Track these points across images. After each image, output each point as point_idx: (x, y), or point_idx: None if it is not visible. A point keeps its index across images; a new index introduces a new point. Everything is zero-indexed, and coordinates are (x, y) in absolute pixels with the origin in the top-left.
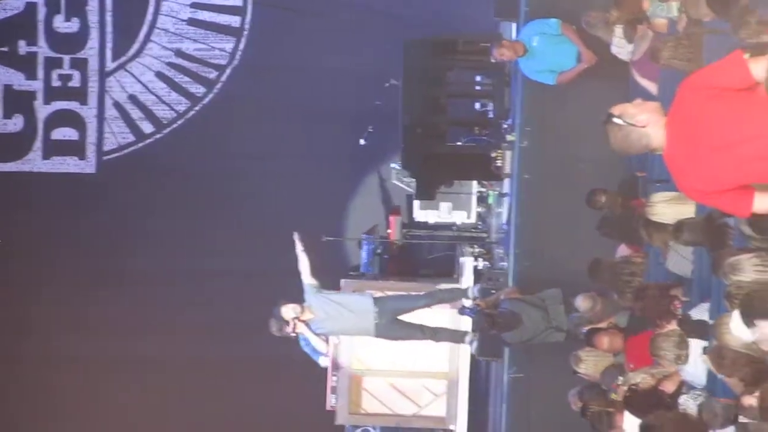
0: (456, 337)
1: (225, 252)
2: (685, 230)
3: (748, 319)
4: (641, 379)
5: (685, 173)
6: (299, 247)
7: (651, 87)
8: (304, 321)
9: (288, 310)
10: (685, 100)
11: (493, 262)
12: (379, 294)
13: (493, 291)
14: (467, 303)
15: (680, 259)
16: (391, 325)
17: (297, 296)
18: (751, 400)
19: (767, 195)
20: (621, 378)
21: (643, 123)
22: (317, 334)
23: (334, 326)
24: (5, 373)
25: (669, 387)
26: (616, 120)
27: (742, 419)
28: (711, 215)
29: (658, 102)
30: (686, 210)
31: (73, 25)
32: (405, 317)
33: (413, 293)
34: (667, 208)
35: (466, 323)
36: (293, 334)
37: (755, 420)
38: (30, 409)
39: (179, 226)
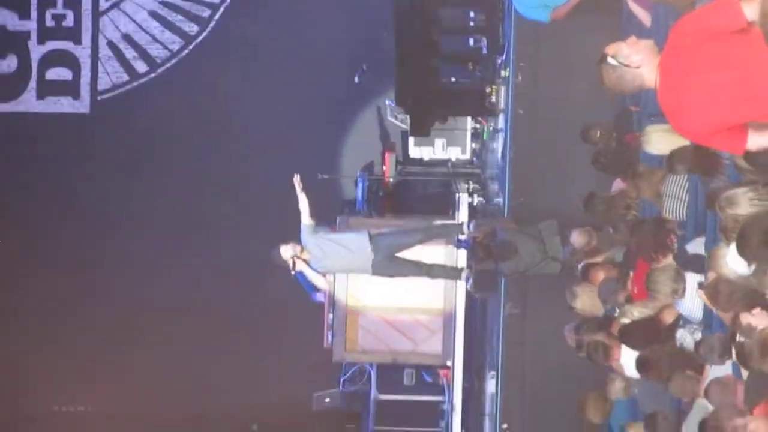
0: (452, 273)
1: (220, 193)
2: (676, 159)
3: (744, 252)
4: (638, 312)
5: (679, 114)
6: (299, 188)
7: (644, 17)
8: (303, 259)
9: (287, 249)
10: (677, 43)
11: (488, 198)
12: (375, 231)
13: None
14: (462, 236)
15: (675, 203)
16: (387, 262)
17: (295, 238)
18: (749, 318)
19: (761, 133)
20: (618, 309)
21: (637, 64)
22: (315, 272)
23: (331, 264)
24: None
25: (667, 318)
26: (610, 61)
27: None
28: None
29: (652, 40)
30: (680, 140)
31: None
32: (401, 254)
33: (408, 229)
34: (661, 139)
35: (461, 260)
36: (292, 272)
37: (751, 344)
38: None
39: (174, 167)
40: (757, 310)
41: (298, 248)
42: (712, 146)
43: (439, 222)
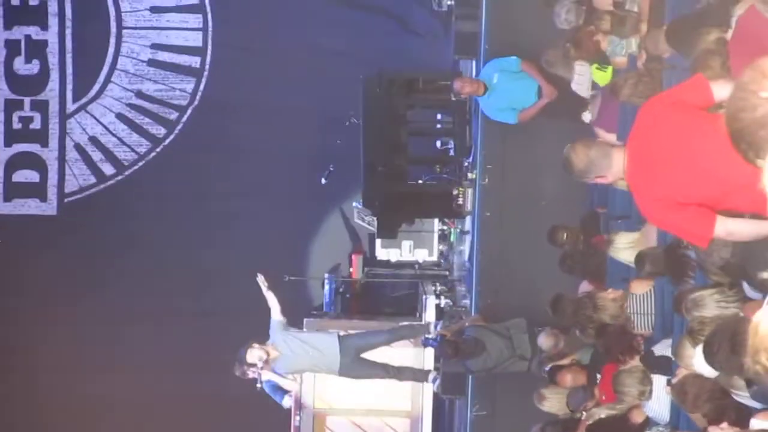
0: (419, 375)
1: (186, 292)
2: (646, 261)
3: (713, 362)
4: (605, 415)
5: (648, 185)
6: (264, 287)
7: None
8: (270, 359)
9: (253, 355)
10: (648, 117)
11: (456, 300)
12: (343, 332)
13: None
14: (430, 334)
15: (641, 318)
16: (354, 364)
17: (258, 334)
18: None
19: (730, 220)
20: (585, 413)
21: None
22: (282, 375)
23: (298, 364)
24: None
25: (637, 418)
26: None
27: None
28: (671, 246)
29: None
30: None
31: (34, 67)
32: (368, 355)
33: (375, 330)
34: (630, 254)
35: (429, 362)
36: (258, 382)
37: None
38: None
39: (141, 267)
40: (724, 425)
41: (266, 348)
42: (679, 227)
43: (405, 323)
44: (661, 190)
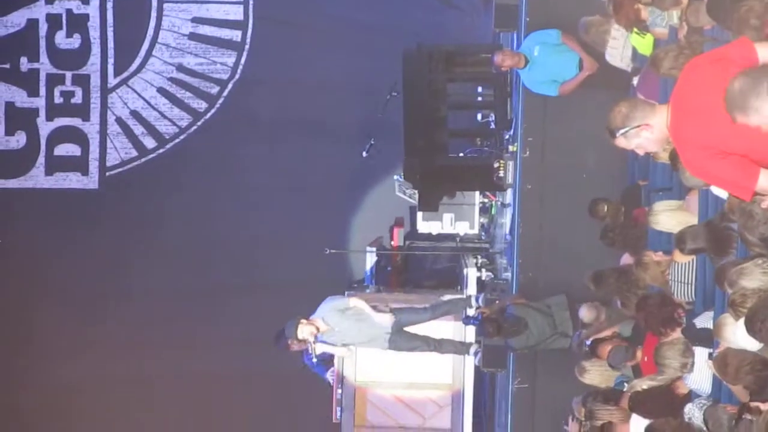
0: (460, 348)
1: (229, 266)
2: (688, 239)
3: (755, 333)
4: (647, 386)
5: (691, 135)
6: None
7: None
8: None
9: (304, 331)
10: (691, 73)
11: (497, 273)
12: (393, 306)
13: (497, 300)
14: (471, 312)
15: (682, 287)
16: (400, 338)
17: (301, 309)
18: (758, 403)
19: None
20: (626, 384)
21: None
22: (330, 345)
23: (348, 338)
24: (9, 392)
25: (680, 389)
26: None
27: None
28: (712, 221)
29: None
30: (688, 219)
31: (75, 42)
32: (411, 329)
33: (417, 306)
34: (669, 218)
35: (470, 335)
36: (307, 357)
37: (760, 425)
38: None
39: (182, 241)
40: None
41: (316, 323)
42: (722, 178)
43: (447, 297)
44: (704, 139)
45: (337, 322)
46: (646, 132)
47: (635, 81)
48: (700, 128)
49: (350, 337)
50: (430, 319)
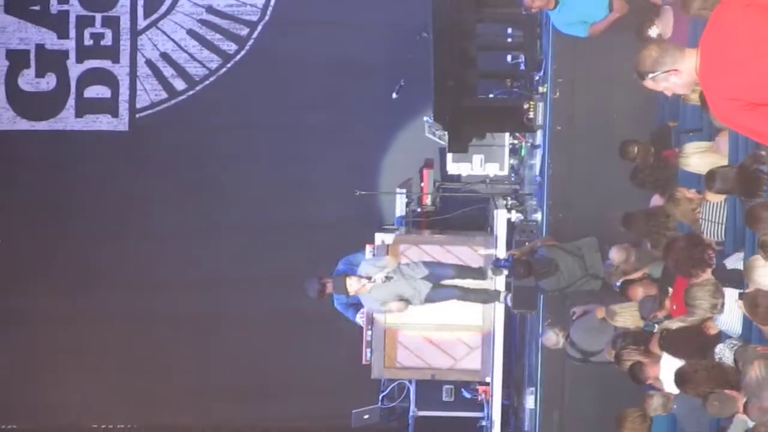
0: (491, 296)
1: (259, 207)
2: (717, 179)
3: None
4: (677, 327)
5: (721, 85)
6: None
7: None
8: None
9: (353, 282)
10: (721, 18)
11: (526, 214)
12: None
13: (527, 242)
14: (502, 255)
15: (712, 226)
16: (435, 291)
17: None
18: None
19: None
20: (657, 325)
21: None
22: (377, 300)
23: (389, 293)
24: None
25: (710, 330)
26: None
27: None
28: (743, 164)
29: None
30: (718, 161)
31: None
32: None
33: (444, 262)
34: (699, 159)
35: (500, 284)
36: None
37: None
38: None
39: (213, 182)
40: None
41: (363, 280)
42: (751, 129)
43: (475, 287)
44: (734, 90)
45: (375, 273)
46: (675, 77)
47: (653, 32)
48: (729, 79)
49: (392, 290)
50: (454, 277)
